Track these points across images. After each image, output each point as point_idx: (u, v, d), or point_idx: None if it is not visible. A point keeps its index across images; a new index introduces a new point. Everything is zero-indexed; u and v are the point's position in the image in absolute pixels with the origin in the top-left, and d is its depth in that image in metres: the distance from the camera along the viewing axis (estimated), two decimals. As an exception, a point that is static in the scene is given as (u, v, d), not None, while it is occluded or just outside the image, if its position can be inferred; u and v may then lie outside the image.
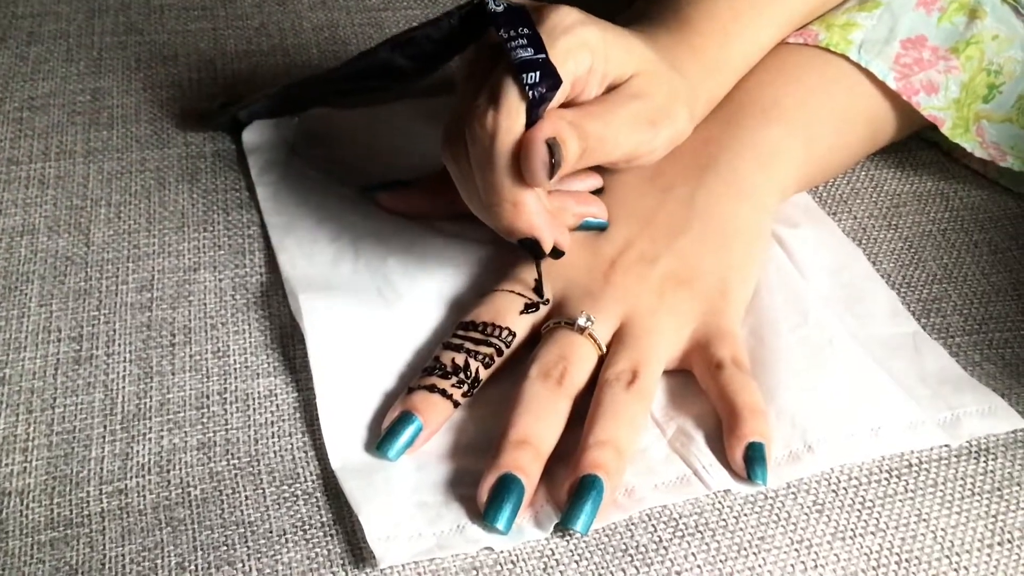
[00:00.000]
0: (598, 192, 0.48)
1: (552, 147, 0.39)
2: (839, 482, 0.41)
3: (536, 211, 0.41)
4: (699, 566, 0.38)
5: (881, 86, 0.52)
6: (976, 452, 0.42)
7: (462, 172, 0.42)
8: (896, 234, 0.53)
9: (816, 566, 0.38)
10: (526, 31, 0.40)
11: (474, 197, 0.42)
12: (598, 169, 0.48)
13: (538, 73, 0.39)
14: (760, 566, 0.38)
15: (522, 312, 0.44)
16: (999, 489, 0.41)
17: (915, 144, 0.58)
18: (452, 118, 0.42)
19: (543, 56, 0.39)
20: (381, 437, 0.41)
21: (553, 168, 0.39)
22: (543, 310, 0.45)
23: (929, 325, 0.48)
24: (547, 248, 0.42)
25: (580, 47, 0.41)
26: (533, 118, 0.39)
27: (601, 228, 0.47)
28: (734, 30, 0.49)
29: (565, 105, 0.41)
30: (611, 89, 0.43)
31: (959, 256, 0.52)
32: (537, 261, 0.44)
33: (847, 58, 0.52)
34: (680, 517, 0.39)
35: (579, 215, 0.46)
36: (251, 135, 0.56)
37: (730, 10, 0.49)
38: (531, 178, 0.39)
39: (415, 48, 0.47)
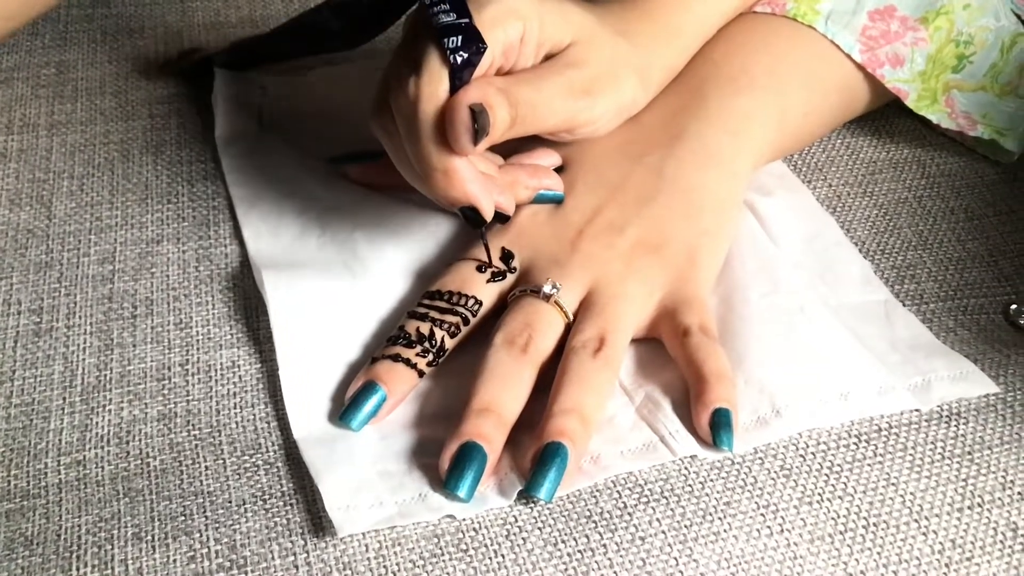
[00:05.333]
0: (559, 169, 0.47)
1: (476, 112, 0.38)
2: (807, 447, 0.40)
3: (469, 178, 0.40)
4: (664, 531, 0.37)
5: (851, 54, 0.52)
6: (947, 416, 0.42)
7: (393, 143, 0.42)
8: (871, 201, 0.53)
9: (782, 531, 0.37)
10: None
11: (408, 168, 0.42)
12: (558, 145, 0.47)
13: (460, 38, 0.38)
14: (725, 531, 0.37)
15: (489, 281, 0.44)
16: (969, 453, 0.40)
17: (891, 112, 0.57)
18: (379, 89, 0.42)
19: (466, 20, 0.38)
20: (344, 407, 0.40)
21: (478, 134, 0.38)
22: (510, 279, 0.44)
23: (903, 292, 0.48)
24: (487, 215, 0.41)
25: (509, 14, 0.40)
26: (457, 84, 0.38)
27: (557, 201, 0.46)
28: None
29: (500, 75, 0.41)
30: (549, 58, 0.42)
31: (935, 223, 0.52)
32: (481, 229, 0.42)
33: (815, 28, 0.51)
34: (646, 483, 0.39)
35: (533, 188, 0.45)
36: (218, 105, 0.55)
37: None
38: (456, 144, 0.38)
39: (350, 12, 0.47)
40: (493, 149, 0.46)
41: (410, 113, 0.39)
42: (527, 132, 0.42)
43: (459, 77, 0.38)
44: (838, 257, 0.49)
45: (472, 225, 0.41)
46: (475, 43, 0.38)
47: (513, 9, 0.40)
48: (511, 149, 0.48)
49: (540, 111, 0.41)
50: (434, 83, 0.38)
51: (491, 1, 0.40)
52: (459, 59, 0.38)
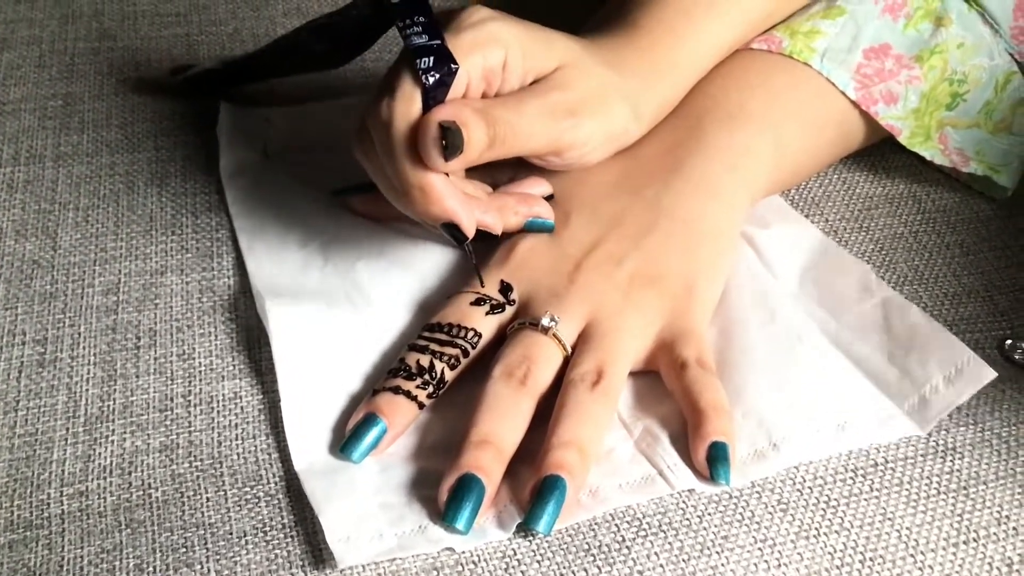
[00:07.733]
0: (550, 199, 0.48)
1: (447, 129, 0.39)
2: (804, 481, 0.41)
3: (446, 194, 0.40)
4: (662, 565, 0.37)
5: (847, 90, 0.52)
6: (943, 452, 0.42)
7: (374, 167, 0.43)
8: (867, 236, 0.53)
9: (779, 565, 0.38)
10: (422, 19, 0.40)
11: (390, 189, 0.42)
12: (556, 178, 0.48)
13: (431, 58, 0.39)
14: (723, 565, 0.38)
15: (488, 313, 0.44)
16: (965, 488, 0.41)
17: (888, 148, 0.58)
18: (361, 116, 0.43)
19: (438, 42, 0.39)
20: (345, 439, 0.41)
21: (448, 149, 0.39)
22: (509, 311, 0.45)
23: (899, 326, 0.48)
24: (467, 231, 0.42)
25: (489, 40, 0.41)
26: (430, 103, 0.39)
27: (547, 229, 0.47)
28: (684, 31, 0.48)
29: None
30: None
31: (930, 258, 0.52)
32: (467, 247, 0.43)
33: (810, 66, 0.52)
34: (644, 517, 0.39)
35: (523, 215, 0.46)
36: (224, 136, 0.56)
37: (679, 11, 0.49)
38: (427, 160, 0.39)
39: (330, 33, 0.48)
40: (484, 179, 0.47)
41: (385, 133, 0.40)
42: (509, 153, 0.42)
43: (432, 96, 0.39)
44: (836, 276, 0.49)
45: (455, 242, 0.42)
46: (447, 64, 0.39)
47: (493, 35, 0.41)
48: (505, 180, 0.49)
49: (521, 131, 0.42)
50: (406, 102, 0.39)
51: (471, 27, 0.41)
52: (431, 79, 0.39)
